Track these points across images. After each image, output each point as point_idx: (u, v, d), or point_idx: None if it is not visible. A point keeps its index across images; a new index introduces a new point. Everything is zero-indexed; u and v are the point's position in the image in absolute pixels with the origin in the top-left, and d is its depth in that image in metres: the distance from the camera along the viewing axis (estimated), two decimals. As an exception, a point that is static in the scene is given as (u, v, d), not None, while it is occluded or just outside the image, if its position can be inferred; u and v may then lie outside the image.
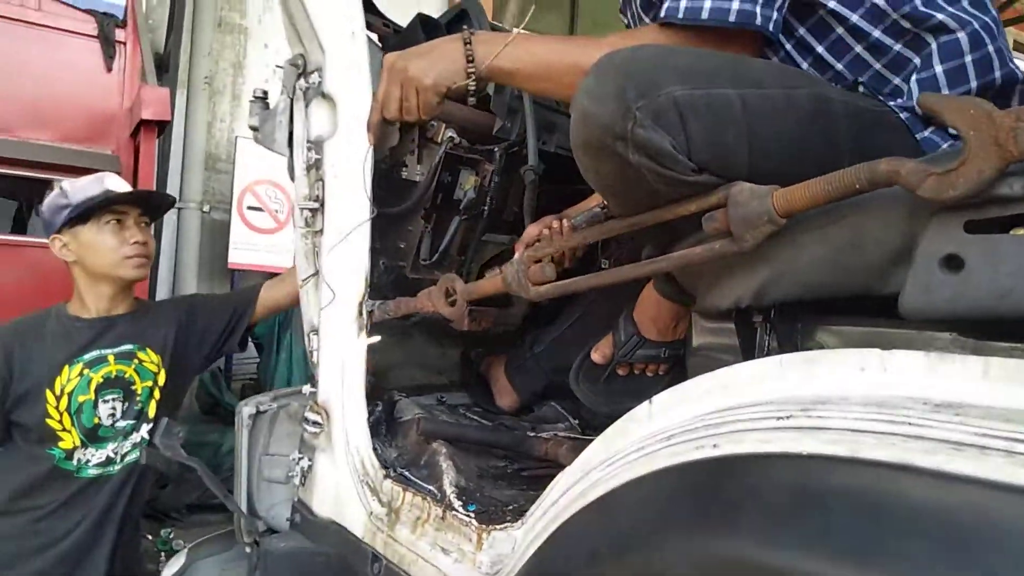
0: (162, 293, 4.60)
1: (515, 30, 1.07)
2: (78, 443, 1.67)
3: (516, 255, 1.33)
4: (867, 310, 0.79)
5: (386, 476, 1.25)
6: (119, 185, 1.76)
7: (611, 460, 0.79)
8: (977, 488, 0.47)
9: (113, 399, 1.72)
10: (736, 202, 0.74)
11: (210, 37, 4.88)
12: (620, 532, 0.74)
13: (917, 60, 0.93)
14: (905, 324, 0.73)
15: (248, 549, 1.49)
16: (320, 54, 1.28)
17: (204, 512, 3.42)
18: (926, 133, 0.90)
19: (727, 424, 0.67)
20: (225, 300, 2.01)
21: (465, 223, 1.55)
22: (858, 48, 0.95)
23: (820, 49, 0.97)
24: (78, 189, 1.71)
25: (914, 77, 0.92)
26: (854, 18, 0.93)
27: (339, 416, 1.33)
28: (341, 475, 1.32)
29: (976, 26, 0.91)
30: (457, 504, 1.10)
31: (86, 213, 1.68)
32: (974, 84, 0.91)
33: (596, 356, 1.31)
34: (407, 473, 1.26)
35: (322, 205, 1.32)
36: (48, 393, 1.64)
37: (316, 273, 1.37)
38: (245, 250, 4.64)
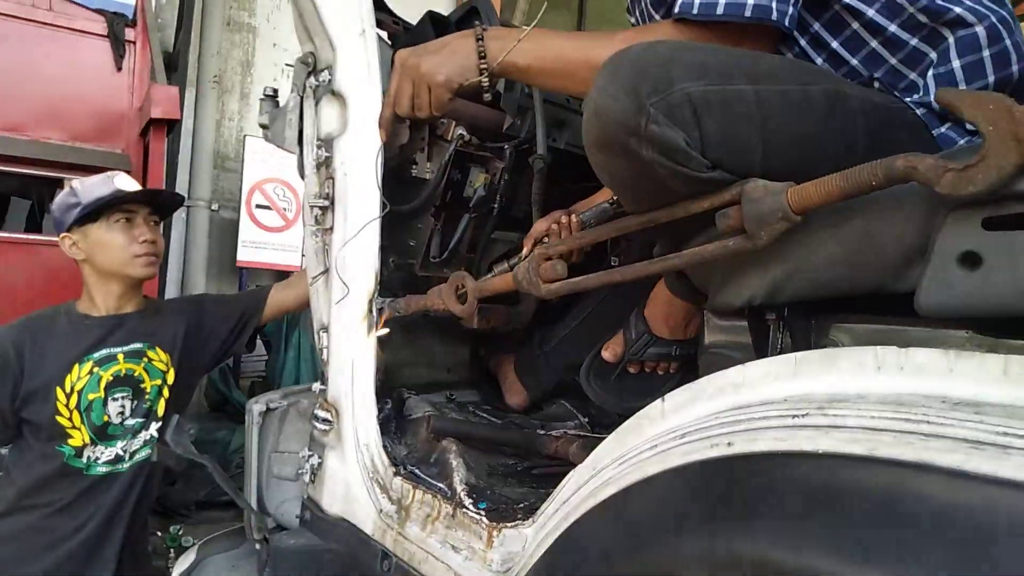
0: (171, 291, 4.62)
1: (527, 28, 1.07)
2: (87, 441, 1.68)
3: (524, 250, 1.33)
4: (879, 308, 0.79)
5: (396, 473, 1.25)
6: (129, 184, 1.76)
7: (624, 458, 0.79)
8: (997, 487, 0.47)
9: (122, 397, 1.73)
10: (751, 199, 0.73)
11: (219, 36, 4.90)
12: (633, 530, 0.74)
13: (933, 55, 0.92)
14: (919, 322, 0.72)
15: (258, 546, 1.49)
16: (330, 52, 1.28)
17: (213, 509, 3.44)
18: (942, 129, 0.89)
19: (742, 422, 0.66)
20: (234, 301, 2.01)
21: (475, 221, 1.55)
22: (873, 43, 0.94)
23: (835, 44, 0.96)
24: (88, 188, 1.72)
25: (930, 72, 0.91)
26: (870, 13, 0.92)
27: (349, 413, 1.33)
28: (351, 472, 1.32)
29: (994, 20, 0.90)
30: (467, 502, 1.10)
31: (96, 212, 1.69)
32: (992, 79, 0.90)
33: (607, 354, 1.31)
34: (417, 471, 1.26)
35: (332, 203, 1.32)
36: (58, 391, 1.65)
37: (326, 271, 1.37)
38: (253, 248, 4.66)
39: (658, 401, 0.78)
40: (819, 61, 0.98)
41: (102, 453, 1.70)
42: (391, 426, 1.43)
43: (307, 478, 1.42)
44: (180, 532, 3.12)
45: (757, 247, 0.74)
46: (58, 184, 3.51)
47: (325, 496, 1.38)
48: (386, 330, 1.31)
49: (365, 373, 1.31)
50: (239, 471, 1.64)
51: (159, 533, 3.12)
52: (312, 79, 1.32)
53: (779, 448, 0.61)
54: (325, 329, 1.39)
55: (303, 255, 4.59)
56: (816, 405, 0.61)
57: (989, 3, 0.91)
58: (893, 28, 0.92)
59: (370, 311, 1.30)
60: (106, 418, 1.70)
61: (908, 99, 0.91)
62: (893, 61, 0.94)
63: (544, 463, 1.32)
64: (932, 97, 0.89)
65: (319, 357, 1.44)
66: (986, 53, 0.90)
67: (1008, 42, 0.90)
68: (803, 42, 0.98)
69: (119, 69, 3.84)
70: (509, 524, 1.01)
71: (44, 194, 4.06)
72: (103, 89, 3.82)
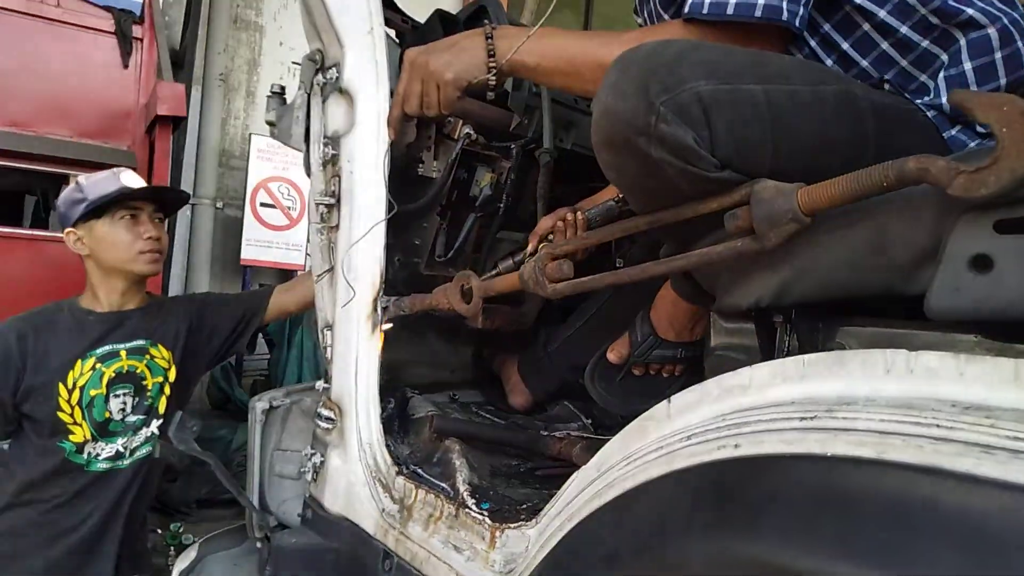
0: (175, 288, 4.63)
1: (535, 27, 1.06)
2: (88, 437, 1.68)
3: (529, 247, 1.32)
4: (886, 311, 0.78)
5: (399, 473, 1.25)
6: (134, 181, 1.76)
7: (629, 459, 0.78)
8: (1008, 492, 0.46)
9: (124, 394, 1.73)
10: (760, 199, 0.73)
11: (226, 34, 4.91)
12: (638, 532, 0.73)
13: (945, 57, 0.91)
14: (927, 325, 0.72)
15: (259, 544, 1.49)
16: (338, 49, 1.27)
17: (213, 507, 3.43)
18: (953, 132, 0.89)
19: (749, 424, 0.65)
20: (237, 301, 2.01)
21: (481, 220, 1.54)
22: (884, 45, 0.93)
23: (845, 46, 0.96)
24: (93, 184, 1.72)
25: (942, 74, 0.91)
26: (881, 14, 0.92)
27: (352, 412, 1.32)
28: (353, 471, 1.32)
29: (1006, 21, 0.89)
30: (470, 502, 1.10)
31: (101, 208, 1.69)
32: (1003, 81, 0.89)
33: (612, 356, 1.31)
34: (420, 470, 1.26)
35: (338, 200, 1.32)
36: (60, 386, 1.65)
37: (331, 269, 1.37)
38: (258, 246, 4.66)
39: (664, 402, 0.77)
40: (829, 62, 0.98)
41: (103, 449, 1.70)
42: (394, 425, 1.43)
43: (309, 477, 1.42)
44: (181, 530, 3.11)
45: (766, 248, 0.74)
46: (64, 180, 3.52)
47: (327, 495, 1.37)
48: (390, 324, 1.31)
49: (369, 372, 1.31)
50: (241, 469, 1.63)
51: (160, 531, 3.11)
52: (320, 76, 1.32)
53: (787, 451, 0.60)
54: (329, 327, 1.38)
55: (307, 254, 4.60)
56: (825, 408, 0.61)
57: (1001, 5, 0.91)
58: (904, 30, 0.92)
59: (375, 310, 1.30)
60: (107, 414, 1.70)
61: (919, 101, 0.90)
62: (904, 63, 0.94)
63: (547, 464, 1.31)
64: (943, 99, 0.89)
65: (323, 355, 1.44)
66: (998, 55, 0.89)
67: (1020, 44, 0.90)
68: (813, 43, 0.98)
69: (126, 66, 3.84)
70: (512, 525, 1.01)
71: (50, 190, 4.06)
72: (110, 86, 3.82)
